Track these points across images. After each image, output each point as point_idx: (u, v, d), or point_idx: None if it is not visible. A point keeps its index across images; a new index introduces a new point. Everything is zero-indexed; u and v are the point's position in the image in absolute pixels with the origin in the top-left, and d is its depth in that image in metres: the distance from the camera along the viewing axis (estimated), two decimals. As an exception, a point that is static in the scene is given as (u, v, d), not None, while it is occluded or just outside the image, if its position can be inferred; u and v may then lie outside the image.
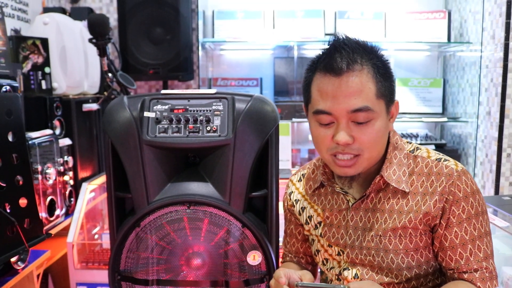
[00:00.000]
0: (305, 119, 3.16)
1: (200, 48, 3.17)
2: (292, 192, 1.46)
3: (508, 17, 2.70)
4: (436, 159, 1.21)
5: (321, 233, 1.33)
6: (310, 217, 1.37)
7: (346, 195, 1.27)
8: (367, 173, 1.24)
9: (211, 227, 1.48)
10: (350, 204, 1.26)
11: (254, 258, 1.47)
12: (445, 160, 1.21)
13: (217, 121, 1.46)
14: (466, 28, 3.23)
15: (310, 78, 1.20)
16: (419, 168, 1.21)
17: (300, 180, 1.45)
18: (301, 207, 1.40)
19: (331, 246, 1.30)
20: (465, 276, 1.16)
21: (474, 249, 1.16)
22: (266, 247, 1.47)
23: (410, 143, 1.28)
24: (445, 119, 3.33)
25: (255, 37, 3.24)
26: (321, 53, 1.19)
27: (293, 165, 3.18)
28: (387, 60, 1.18)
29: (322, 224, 1.33)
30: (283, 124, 2.80)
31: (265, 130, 1.47)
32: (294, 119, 3.18)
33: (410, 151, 1.24)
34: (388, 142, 1.24)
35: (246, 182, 1.46)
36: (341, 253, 1.28)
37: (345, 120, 1.12)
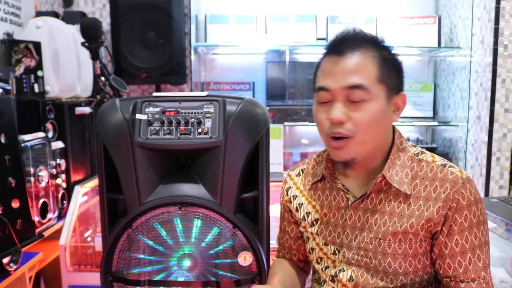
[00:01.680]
0: (297, 123, 3.21)
1: (192, 52, 3.19)
2: (290, 187, 1.43)
3: (496, 22, 2.74)
4: (441, 165, 1.20)
5: (317, 231, 1.31)
6: (308, 213, 1.34)
7: (347, 192, 1.26)
8: (368, 169, 1.23)
9: (202, 228, 1.49)
10: (350, 202, 1.25)
11: (245, 258, 1.48)
12: (450, 166, 1.20)
13: (208, 123, 1.47)
14: (456, 33, 3.27)
15: (318, 63, 1.24)
16: (423, 173, 1.20)
17: (299, 174, 1.43)
18: (299, 203, 1.38)
19: (327, 245, 1.29)
20: (462, 285, 1.16)
21: (474, 258, 1.15)
22: (257, 248, 1.49)
23: (415, 146, 1.28)
24: (435, 123, 3.36)
25: (247, 41, 3.27)
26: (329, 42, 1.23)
27: (285, 168, 3.19)
28: (396, 55, 1.21)
29: (318, 221, 1.31)
30: (275, 128, 2.82)
31: (256, 132, 1.48)
32: (286, 123, 3.20)
33: (414, 154, 1.24)
34: (393, 143, 1.23)
35: (237, 184, 1.47)
36: (337, 252, 1.26)
37: (341, 98, 1.15)
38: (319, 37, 3.33)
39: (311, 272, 1.46)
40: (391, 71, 1.17)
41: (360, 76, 1.13)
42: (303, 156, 3.41)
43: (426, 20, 3.30)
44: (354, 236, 1.23)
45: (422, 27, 3.29)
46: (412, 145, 1.27)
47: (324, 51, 1.23)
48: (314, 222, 1.32)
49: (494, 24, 2.75)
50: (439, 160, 1.22)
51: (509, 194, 2.80)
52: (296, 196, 1.40)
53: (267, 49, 3.41)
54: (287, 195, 1.43)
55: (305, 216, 1.35)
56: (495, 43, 2.76)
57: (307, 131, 3.50)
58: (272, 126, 2.60)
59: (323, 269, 1.31)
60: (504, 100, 2.78)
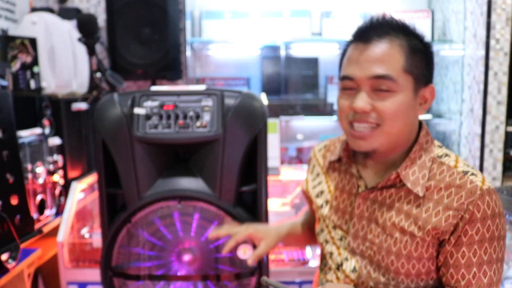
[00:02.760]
0: (293, 117, 3.21)
1: (188, 48, 3.19)
2: (315, 165, 1.42)
3: (489, 16, 2.76)
4: (463, 171, 1.12)
5: (327, 214, 1.31)
6: (322, 191, 1.35)
7: (359, 179, 1.24)
8: (385, 161, 1.20)
9: (201, 221, 1.50)
10: (360, 190, 1.23)
11: (245, 252, 1.49)
12: (472, 174, 1.11)
13: (206, 117, 1.48)
14: (449, 27, 3.29)
15: (344, 51, 1.19)
16: (442, 176, 1.13)
17: (320, 150, 1.43)
18: (319, 182, 1.38)
19: (335, 229, 1.28)
20: None
21: (479, 273, 1.09)
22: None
23: (441, 147, 1.21)
24: (429, 116, 3.38)
25: (242, 37, 3.27)
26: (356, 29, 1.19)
27: (282, 163, 3.21)
28: (428, 44, 1.15)
29: (328, 204, 1.31)
30: (271, 123, 2.83)
31: (254, 125, 1.50)
32: (282, 118, 3.21)
33: (438, 156, 1.17)
34: (417, 141, 1.18)
35: (236, 177, 1.49)
36: (343, 238, 1.25)
37: (367, 88, 1.10)
38: (314, 32, 3.34)
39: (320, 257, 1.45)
40: (419, 61, 1.12)
41: (386, 66, 1.08)
42: (299, 151, 3.42)
43: (419, 14, 3.32)
44: (361, 226, 1.21)
45: (415, 21, 3.30)
46: (439, 146, 1.21)
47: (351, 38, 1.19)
48: (324, 204, 1.33)
49: (486, 18, 2.77)
50: (462, 166, 1.15)
51: (502, 184, 2.83)
52: (319, 173, 1.40)
53: (262, 45, 3.41)
54: (312, 173, 1.43)
55: (319, 193, 1.36)
56: (487, 36, 2.78)
57: (302, 125, 3.51)
58: (268, 121, 2.61)
59: (330, 255, 1.30)
60: (496, 93, 2.80)
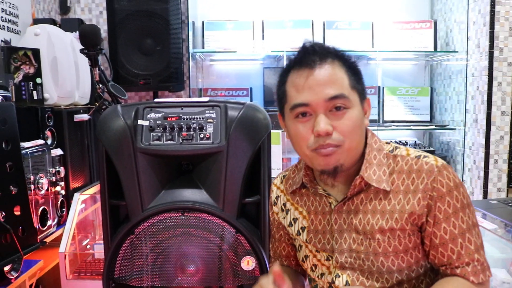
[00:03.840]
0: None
1: (190, 58, 3.20)
2: (279, 196, 1.41)
3: (492, 26, 2.77)
4: (416, 157, 1.21)
5: (306, 240, 1.30)
6: (295, 219, 1.34)
7: (328, 197, 1.26)
8: (347, 174, 1.23)
9: (205, 233, 1.50)
10: (333, 206, 1.25)
11: (248, 263, 1.48)
12: (425, 156, 1.21)
13: (210, 129, 1.48)
14: (452, 37, 3.29)
15: (284, 80, 1.22)
16: (399, 167, 1.21)
17: (281, 182, 1.42)
18: (287, 210, 1.37)
19: (319, 252, 1.28)
20: (458, 271, 1.16)
21: (465, 242, 1.16)
22: (260, 253, 1.49)
23: (389, 143, 1.28)
24: (433, 126, 3.37)
25: (244, 47, 3.28)
26: (292, 58, 1.22)
27: (284, 173, 3.20)
28: (355, 62, 1.22)
29: (306, 230, 1.30)
30: (274, 133, 2.82)
31: (258, 137, 1.49)
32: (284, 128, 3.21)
33: (389, 151, 1.24)
34: (367, 144, 1.24)
35: (239, 188, 1.48)
36: (329, 258, 1.26)
37: (323, 110, 1.14)
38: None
39: (307, 280, 1.42)
40: (356, 77, 1.19)
41: (337, 86, 1.14)
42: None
43: (422, 24, 3.33)
44: (343, 240, 1.23)
45: (418, 31, 3.31)
46: (386, 143, 1.28)
47: (285, 67, 1.22)
48: (301, 230, 1.31)
49: (489, 28, 2.77)
50: (413, 152, 1.23)
51: (507, 196, 2.81)
52: (285, 203, 1.38)
53: (264, 55, 3.42)
54: (276, 204, 1.41)
55: (292, 221, 1.34)
56: (491, 46, 2.78)
57: (305, 136, 3.51)
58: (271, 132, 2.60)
59: (319, 277, 1.29)
60: (500, 103, 2.80)
